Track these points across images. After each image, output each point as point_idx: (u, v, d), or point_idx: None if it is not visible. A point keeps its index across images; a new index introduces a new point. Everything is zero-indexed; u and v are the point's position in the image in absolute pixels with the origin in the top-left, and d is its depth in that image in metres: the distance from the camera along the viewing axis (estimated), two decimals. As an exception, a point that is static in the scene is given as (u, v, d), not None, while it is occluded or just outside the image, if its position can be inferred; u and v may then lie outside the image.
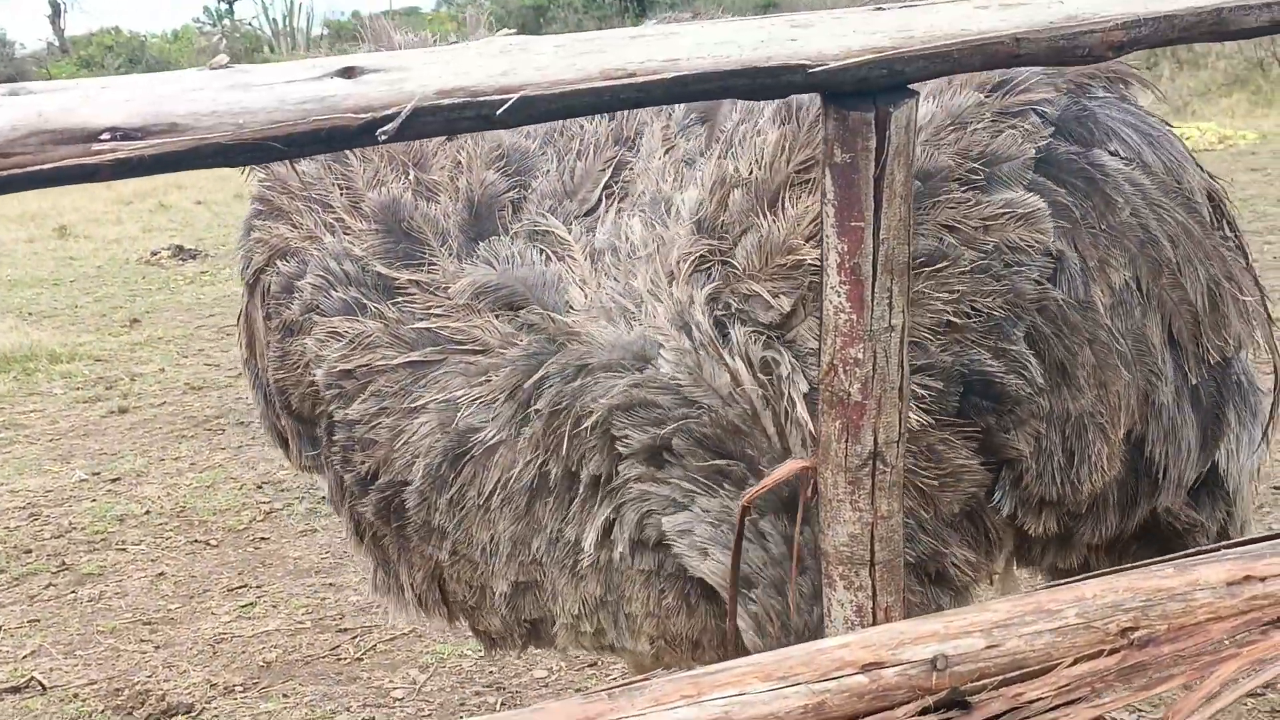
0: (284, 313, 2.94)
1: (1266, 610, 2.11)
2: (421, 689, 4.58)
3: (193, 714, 4.51)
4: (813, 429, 2.40)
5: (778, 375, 2.51)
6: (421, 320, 2.69)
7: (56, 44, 45.93)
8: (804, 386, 2.49)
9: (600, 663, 4.63)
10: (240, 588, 5.53)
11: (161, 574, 5.71)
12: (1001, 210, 2.54)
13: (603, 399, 2.55)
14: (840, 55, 1.96)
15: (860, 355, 2.14)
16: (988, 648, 2.00)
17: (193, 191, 19.70)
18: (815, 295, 2.41)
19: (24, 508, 6.56)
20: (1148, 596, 2.08)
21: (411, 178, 2.80)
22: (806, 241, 2.48)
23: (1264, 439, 3.03)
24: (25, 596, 5.54)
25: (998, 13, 2.06)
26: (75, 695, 4.67)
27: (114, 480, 6.92)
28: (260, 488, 6.67)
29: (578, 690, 4.40)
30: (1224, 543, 2.27)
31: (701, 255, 2.58)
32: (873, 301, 2.11)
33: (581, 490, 2.65)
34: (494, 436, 2.64)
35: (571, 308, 2.60)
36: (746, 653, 2.55)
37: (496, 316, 2.63)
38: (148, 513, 6.41)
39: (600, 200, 2.76)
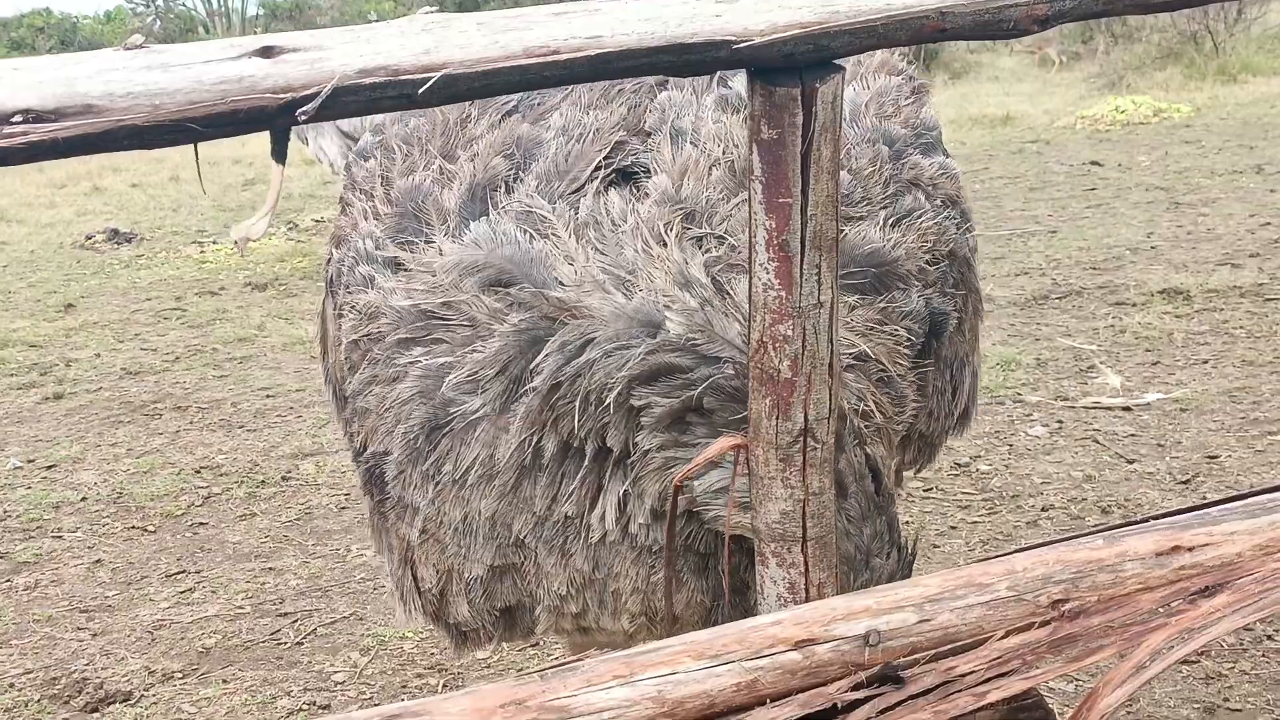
0: (336, 298, 3.01)
1: (1195, 580, 2.13)
2: (363, 672, 4.55)
3: (131, 701, 4.46)
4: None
5: None
6: (410, 296, 2.71)
7: (-14, 25, 45.24)
8: None
9: (542, 643, 4.63)
10: (179, 573, 5.48)
11: (99, 561, 5.64)
12: (940, 170, 3.00)
13: (620, 371, 2.52)
14: (766, 31, 1.96)
15: (790, 332, 2.14)
16: (920, 622, 2.01)
17: (128, 174, 19.45)
18: None
19: (-43, 497, 6.48)
20: (1078, 568, 2.09)
21: (436, 167, 2.87)
22: None
23: None
24: (-41, 586, 5.48)
25: (923, -13, 2.06)
26: (11, 685, 4.61)
27: (49, 467, 6.84)
28: (198, 473, 6.60)
29: (519, 671, 4.39)
30: (1153, 514, 2.30)
31: (684, 225, 2.63)
32: (801, 278, 2.11)
33: (585, 465, 2.62)
34: (477, 411, 2.62)
35: (561, 283, 2.59)
36: (683, 630, 2.55)
37: (483, 293, 2.63)
38: (84, 499, 6.34)
39: (588, 180, 2.78)
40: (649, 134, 2.87)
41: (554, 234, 2.67)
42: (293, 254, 12.32)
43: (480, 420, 2.63)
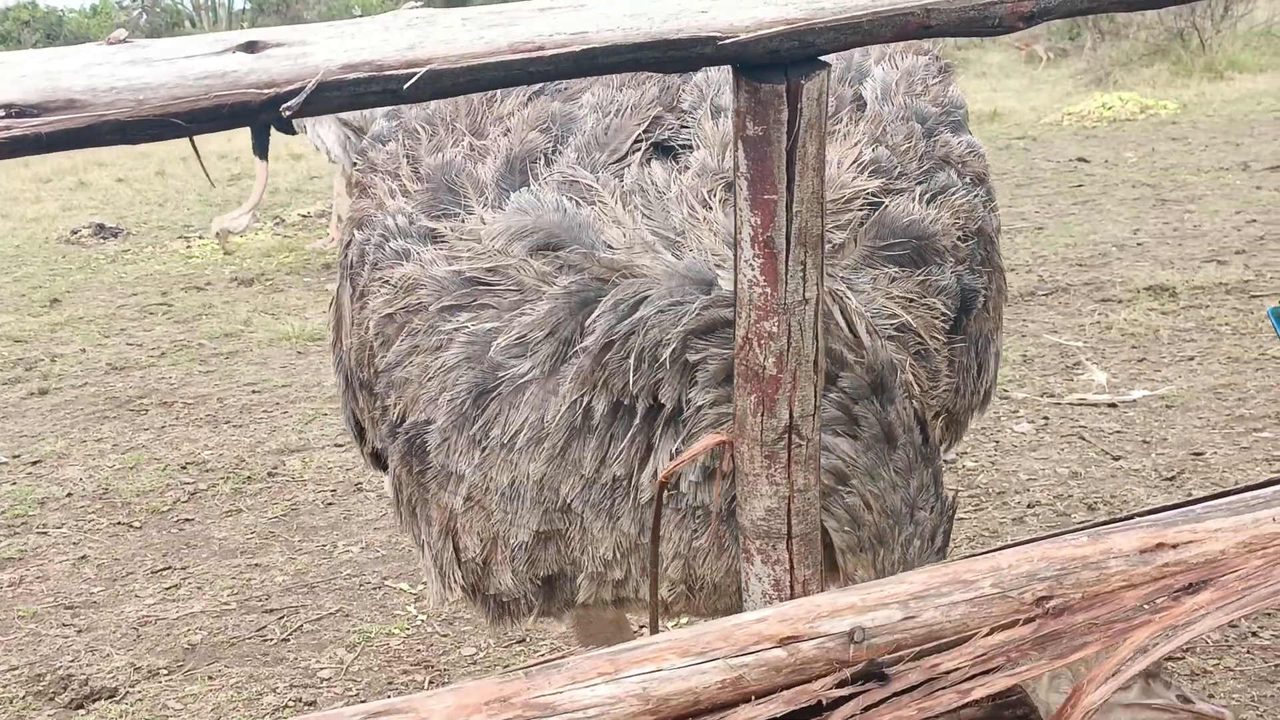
0: (358, 281, 3.01)
1: (1178, 577, 2.13)
2: (349, 669, 4.55)
3: (116, 698, 4.45)
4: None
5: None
6: (454, 264, 2.71)
7: (-29, 19, 45.08)
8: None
9: (528, 638, 4.63)
10: (164, 570, 5.47)
11: (84, 557, 5.63)
12: (968, 148, 3.04)
13: (675, 327, 2.52)
14: (752, 27, 1.96)
15: (775, 329, 2.14)
16: (904, 619, 2.01)
17: (114, 169, 19.41)
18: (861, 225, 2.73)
19: (-59, 492, 6.46)
20: (1062, 565, 2.09)
21: (466, 144, 2.89)
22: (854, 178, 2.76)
23: None
24: (-57, 583, 5.46)
25: (909, -16, 2.06)
26: (-5, 682, 4.61)
27: (34, 463, 6.82)
28: (184, 468, 6.59)
29: (505, 668, 4.39)
30: (1138, 511, 2.30)
31: (725, 194, 2.65)
32: (786, 275, 2.11)
33: (635, 425, 2.62)
34: (526, 374, 2.63)
35: (610, 246, 2.61)
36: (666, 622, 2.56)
37: (531, 257, 2.64)
38: (69, 495, 6.32)
39: (629, 151, 2.80)
40: (685, 111, 2.89)
41: (600, 201, 2.69)
42: (279, 249, 12.31)
43: (529, 383, 2.63)
